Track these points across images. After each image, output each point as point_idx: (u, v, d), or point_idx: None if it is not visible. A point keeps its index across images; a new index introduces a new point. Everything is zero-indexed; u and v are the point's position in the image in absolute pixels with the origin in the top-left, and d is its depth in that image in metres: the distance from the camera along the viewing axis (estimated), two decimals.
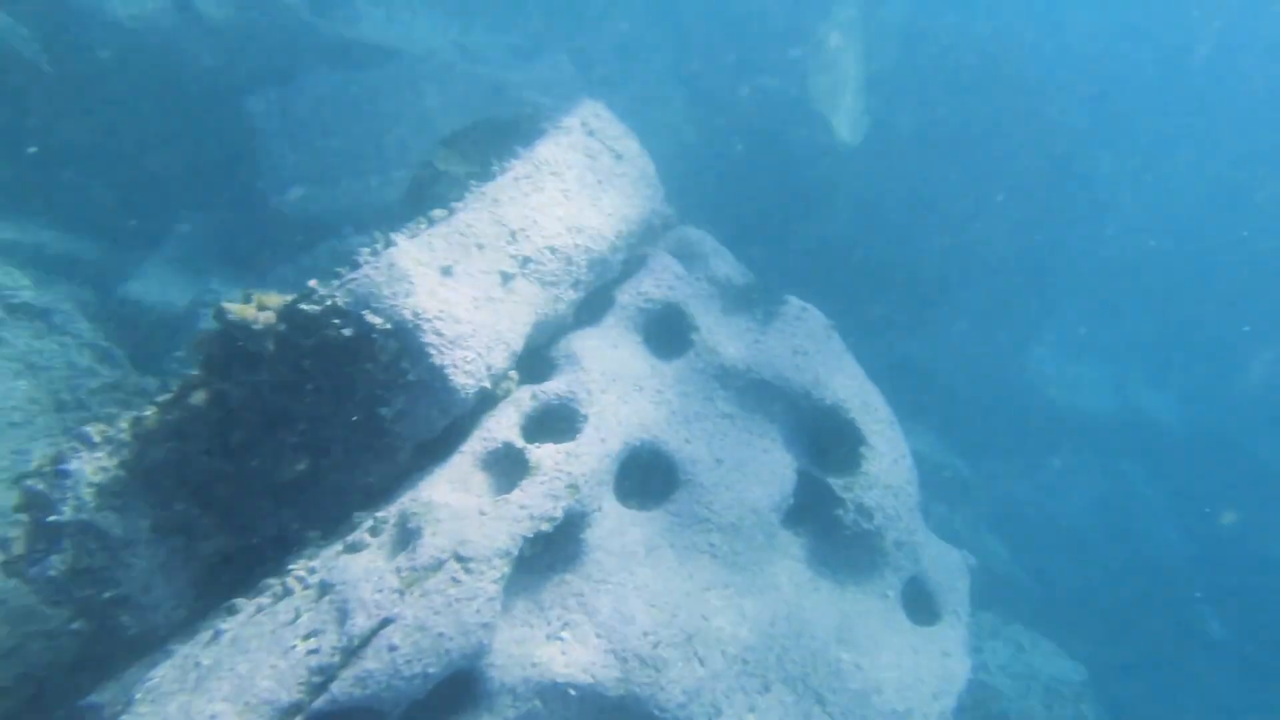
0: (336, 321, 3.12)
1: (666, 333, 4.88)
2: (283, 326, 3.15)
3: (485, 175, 4.68)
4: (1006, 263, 8.36)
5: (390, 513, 3.10)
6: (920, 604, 5.01)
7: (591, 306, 4.54)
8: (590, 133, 4.47)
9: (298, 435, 3.19)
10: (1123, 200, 10.12)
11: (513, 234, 3.74)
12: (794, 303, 5.53)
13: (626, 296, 4.65)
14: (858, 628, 4.56)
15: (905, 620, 4.81)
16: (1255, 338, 9.65)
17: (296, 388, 3.20)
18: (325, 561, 2.92)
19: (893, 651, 4.50)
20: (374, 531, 3.06)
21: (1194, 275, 10.03)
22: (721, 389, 4.81)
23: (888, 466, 5.07)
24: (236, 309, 3.16)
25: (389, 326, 3.08)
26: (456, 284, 3.39)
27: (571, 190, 4.15)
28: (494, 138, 5.06)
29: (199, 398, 2.99)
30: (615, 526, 3.74)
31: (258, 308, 3.26)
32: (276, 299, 3.29)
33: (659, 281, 4.82)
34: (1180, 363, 9.63)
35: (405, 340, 3.13)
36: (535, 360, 4.04)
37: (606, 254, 4.27)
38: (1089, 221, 10.03)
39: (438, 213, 3.76)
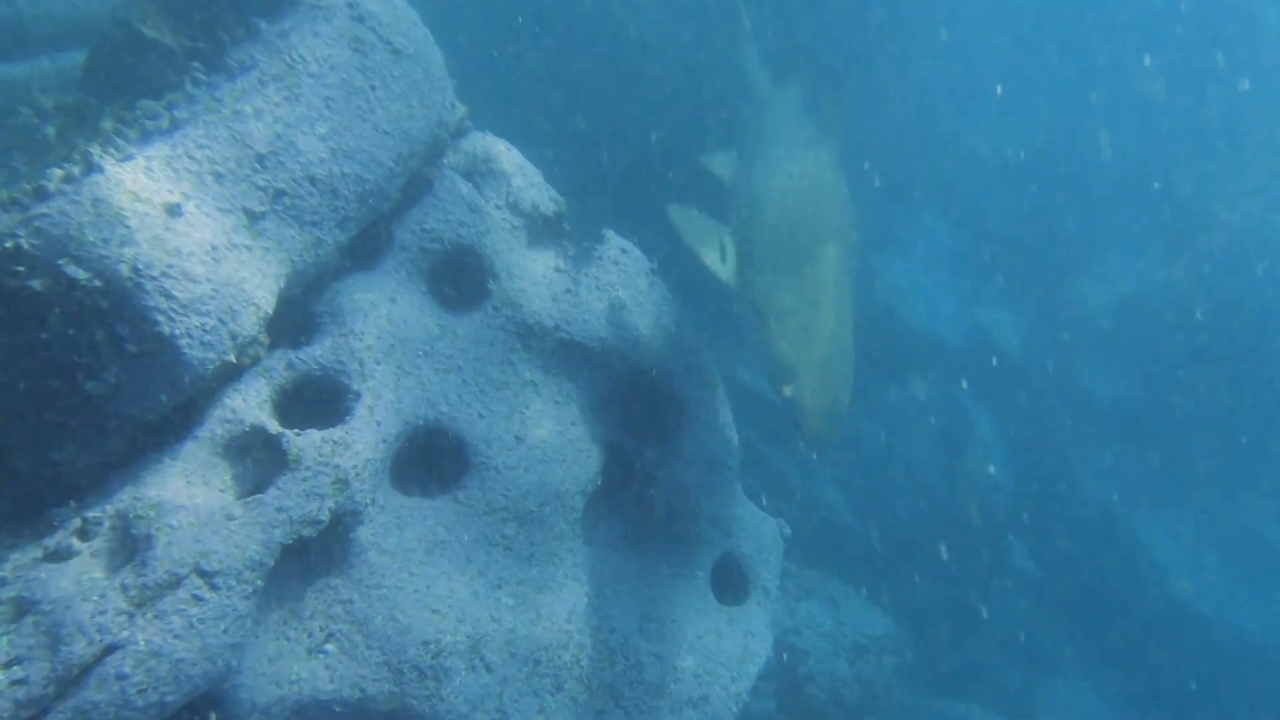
0: (20, 269, 3.17)
1: (458, 279, 5.24)
2: None
3: (213, 58, 4.68)
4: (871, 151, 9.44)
5: (106, 512, 3.27)
6: (730, 581, 5.99)
7: (363, 245, 4.78)
8: (359, 18, 4.60)
9: None
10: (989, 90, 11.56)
11: (260, 159, 3.88)
12: (613, 242, 6.09)
13: (407, 234, 4.93)
14: (662, 614, 5.42)
15: (712, 601, 5.75)
16: (1093, 259, 11.43)
17: None
18: (18, 571, 3.06)
19: (695, 636, 5.41)
20: (84, 535, 3.23)
21: (1054, 183, 11.71)
22: (524, 350, 5.30)
23: (707, 437, 5.90)
24: None
25: (98, 284, 3.19)
26: (188, 227, 3.52)
27: (336, 100, 4.31)
28: (223, 3, 4.99)
29: None
30: (392, 521, 4.16)
31: None
32: None
33: (448, 215, 5.13)
34: (1027, 281, 11.18)
35: (122, 303, 3.25)
36: (291, 312, 4.25)
37: (382, 183, 4.51)
38: (957, 111, 11.34)
39: (150, 119, 3.80)
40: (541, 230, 6.03)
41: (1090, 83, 11.96)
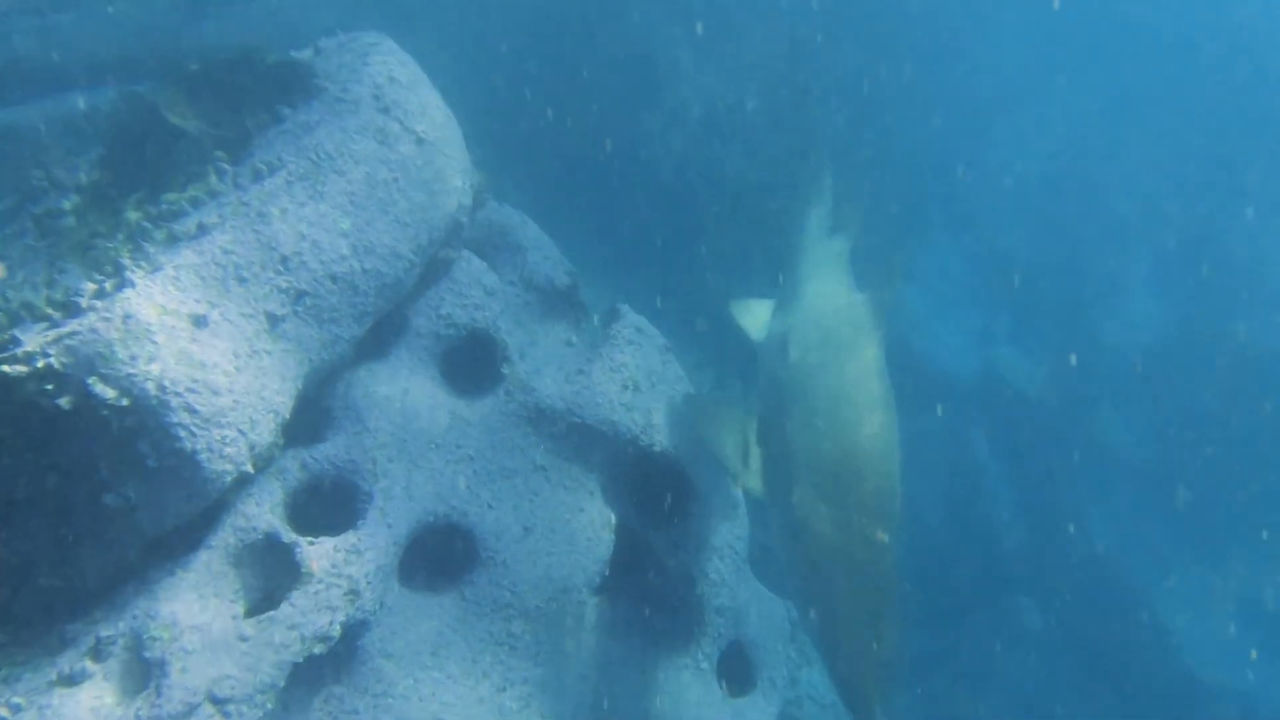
0: (50, 388, 3.38)
1: (471, 362, 5.44)
2: None
3: (237, 146, 4.91)
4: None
5: (119, 630, 3.47)
6: (738, 670, 6.14)
7: (378, 329, 4.99)
8: (384, 109, 4.83)
9: None
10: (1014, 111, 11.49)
11: (284, 260, 4.10)
12: (628, 319, 6.29)
13: (423, 320, 5.14)
14: (667, 708, 5.58)
15: (718, 693, 5.91)
16: (1113, 300, 11.35)
17: None
18: (33, 697, 3.25)
19: None
20: (97, 655, 3.42)
21: (1078, 218, 11.48)
22: (535, 435, 5.50)
23: (716, 523, 6.08)
24: None
25: (125, 403, 3.40)
26: (213, 337, 3.73)
27: (360, 195, 4.53)
28: (244, 83, 5.24)
29: None
30: (399, 622, 4.35)
31: None
32: None
33: (464, 299, 5.35)
34: (1044, 319, 11.08)
35: (147, 420, 3.45)
36: (305, 406, 4.46)
37: (401, 275, 4.72)
38: (979, 136, 11.39)
39: (176, 219, 4.02)
40: (555, 302, 6.24)
41: (1119, 113, 11.92)
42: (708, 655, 5.89)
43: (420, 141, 4.99)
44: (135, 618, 3.49)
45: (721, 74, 9.36)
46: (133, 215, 4.58)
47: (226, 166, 4.70)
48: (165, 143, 4.91)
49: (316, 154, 4.39)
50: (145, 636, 3.40)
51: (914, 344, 10.58)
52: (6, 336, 3.47)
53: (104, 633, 3.43)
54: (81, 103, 7.06)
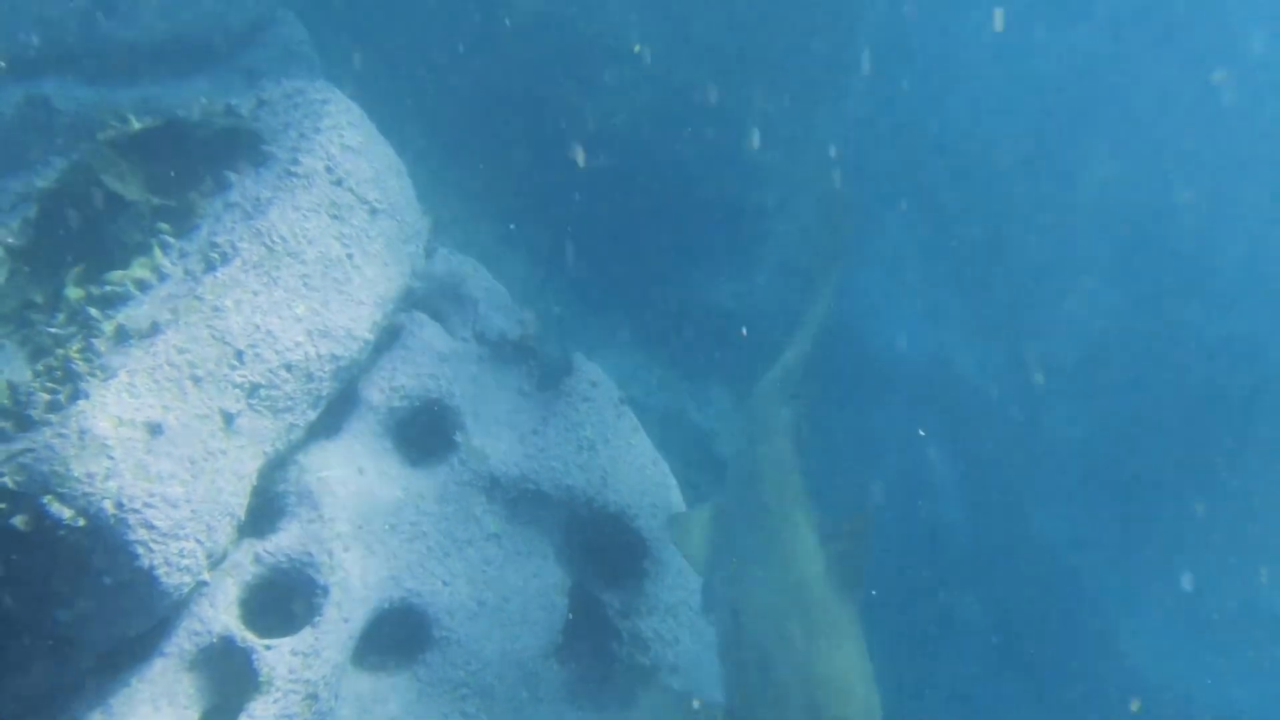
0: (3, 507, 3.54)
1: (424, 428, 5.66)
2: None
3: (183, 215, 5.03)
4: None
5: None
6: None
7: (330, 403, 5.17)
8: (338, 181, 4.99)
9: None
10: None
11: (238, 354, 4.27)
12: (583, 374, 6.55)
13: (375, 393, 5.34)
14: None
15: None
16: (1068, 287, 11.36)
17: None
18: None
19: None
20: None
21: (1035, 202, 11.45)
22: (489, 503, 5.75)
23: (671, 580, 6.40)
24: None
25: (81, 523, 3.57)
26: (169, 444, 3.91)
27: (314, 276, 4.71)
28: (188, 149, 5.35)
29: None
30: (356, 711, 4.60)
31: None
32: None
33: (416, 368, 5.55)
34: (997, 306, 11.20)
35: (104, 538, 3.63)
36: (256, 490, 4.65)
37: (356, 355, 4.92)
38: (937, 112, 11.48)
39: (129, 312, 4.16)
40: (508, 353, 6.47)
41: (1082, 96, 12.00)
42: (661, 712, 6.22)
43: (374, 211, 5.17)
44: None
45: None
46: (74, 293, 4.70)
47: (171, 240, 4.84)
48: (103, 210, 5.00)
49: (270, 238, 4.55)
50: None
51: (863, 329, 10.74)
52: None
53: None
54: None
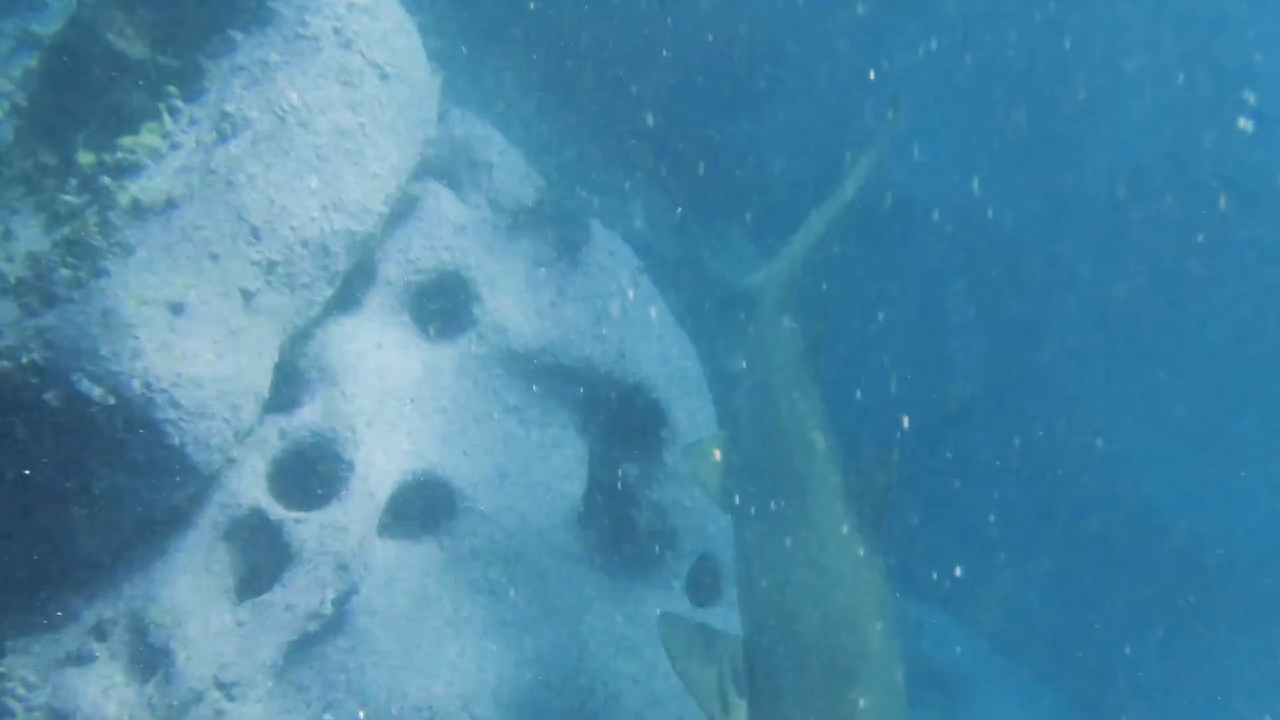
0: (35, 381, 3.65)
1: (441, 301, 5.72)
2: None
3: (189, 77, 4.96)
4: None
5: (119, 611, 3.89)
6: (707, 582, 6.81)
7: (347, 278, 5.21)
8: (346, 44, 4.87)
9: None
10: None
11: (255, 231, 4.29)
12: (600, 240, 6.56)
13: (392, 266, 5.37)
14: (639, 631, 6.24)
15: (687, 607, 6.58)
16: (1104, 122, 10.97)
17: None
18: (44, 674, 3.70)
19: None
20: (99, 634, 3.85)
21: (1075, 34, 10.86)
22: (508, 376, 5.86)
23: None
24: None
25: (112, 401, 3.69)
26: (191, 323, 3.98)
27: (326, 148, 4.66)
28: (188, 4, 5.20)
29: None
30: (381, 580, 4.83)
31: None
32: None
33: (432, 240, 5.56)
34: (1024, 141, 10.81)
35: (135, 417, 3.75)
36: (278, 367, 4.75)
37: (372, 229, 4.92)
38: None
39: (146, 195, 4.17)
40: (524, 221, 6.47)
41: None
42: (677, 573, 6.51)
43: (385, 77, 5.07)
44: (134, 599, 3.91)
45: None
46: (86, 159, 4.68)
47: (180, 105, 4.77)
48: (108, 68, 4.92)
49: (280, 107, 4.49)
50: (147, 622, 3.82)
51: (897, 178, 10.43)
52: None
53: (105, 613, 3.85)
54: None
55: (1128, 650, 10.38)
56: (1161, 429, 10.89)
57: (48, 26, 5.81)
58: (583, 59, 8.73)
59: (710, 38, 9.34)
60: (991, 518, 10.47)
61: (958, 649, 10.14)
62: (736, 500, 4.53)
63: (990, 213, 10.74)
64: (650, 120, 8.63)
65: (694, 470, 5.03)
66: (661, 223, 9.81)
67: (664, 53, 9.10)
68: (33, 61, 5.42)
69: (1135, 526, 10.74)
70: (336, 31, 4.83)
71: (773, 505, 4.17)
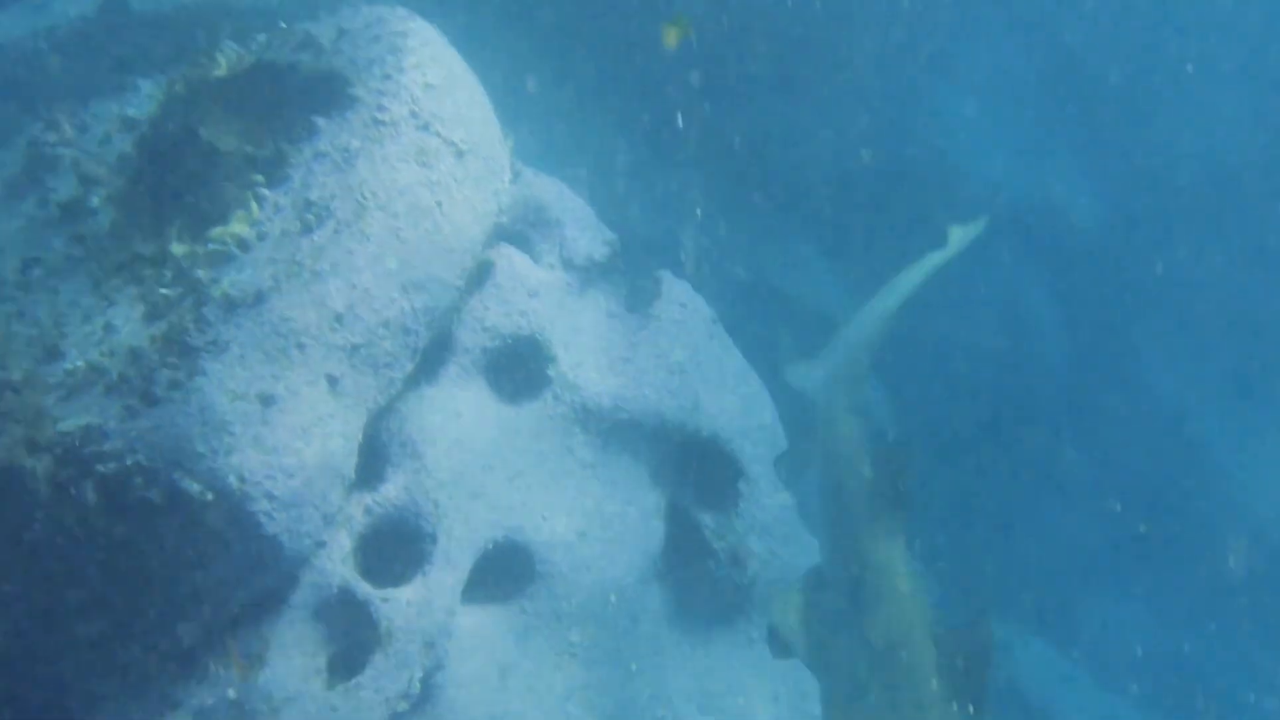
0: (139, 481, 3.97)
1: (517, 365, 5.95)
2: (64, 475, 3.97)
3: (274, 164, 5.27)
4: None
5: (220, 700, 4.20)
6: None
7: (425, 350, 5.47)
8: (424, 125, 5.13)
9: (85, 592, 4.13)
10: None
11: (338, 317, 4.57)
12: (672, 295, 6.73)
13: (468, 334, 5.62)
14: (720, 684, 6.40)
15: (768, 660, 6.71)
16: (1190, 110, 10.48)
17: (81, 538, 4.09)
18: None
19: (752, 705, 6.41)
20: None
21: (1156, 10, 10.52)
22: (584, 433, 6.07)
23: (766, 500, 6.72)
24: (5, 447, 3.91)
25: (210, 497, 3.99)
26: (281, 414, 4.26)
27: (404, 228, 4.92)
28: (275, 90, 5.53)
29: None
30: (467, 648, 5.08)
31: (25, 447, 4.01)
32: (47, 432, 4.04)
33: (507, 305, 5.79)
34: (1105, 130, 10.49)
35: (230, 511, 4.05)
36: (361, 446, 5.03)
37: (450, 302, 5.18)
38: None
39: (237, 289, 4.48)
40: (595, 276, 6.68)
41: None
42: (758, 625, 6.65)
43: (460, 153, 5.31)
44: (233, 685, 4.20)
45: None
46: (179, 249, 5.03)
47: (266, 193, 5.09)
48: (198, 157, 5.26)
49: (362, 194, 4.76)
50: (246, 709, 4.12)
51: (954, 157, 10.20)
52: (84, 426, 4.02)
53: (206, 701, 4.15)
54: (63, 10, 7.38)
55: (1236, 686, 10.06)
56: (1268, 439, 10.47)
57: (142, 110, 6.23)
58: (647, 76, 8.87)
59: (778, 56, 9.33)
60: (1086, 536, 10.30)
61: (1052, 678, 9.95)
62: (821, 654, 4.58)
63: (1073, 211, 10.52)
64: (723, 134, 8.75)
65: (776, 618, 5.00)
66: (731, 243, 9.94)
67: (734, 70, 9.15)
68: (127, 147, 5.82)
69: (1244, 546, 10.40)
70: (414, 115, 5.09)
71: (859, 671, 4.20)
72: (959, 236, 5.53)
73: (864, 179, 9.89)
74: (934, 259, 5.40)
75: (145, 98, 6.52)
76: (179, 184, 5.30)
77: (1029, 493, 10.02)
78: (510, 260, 5.87)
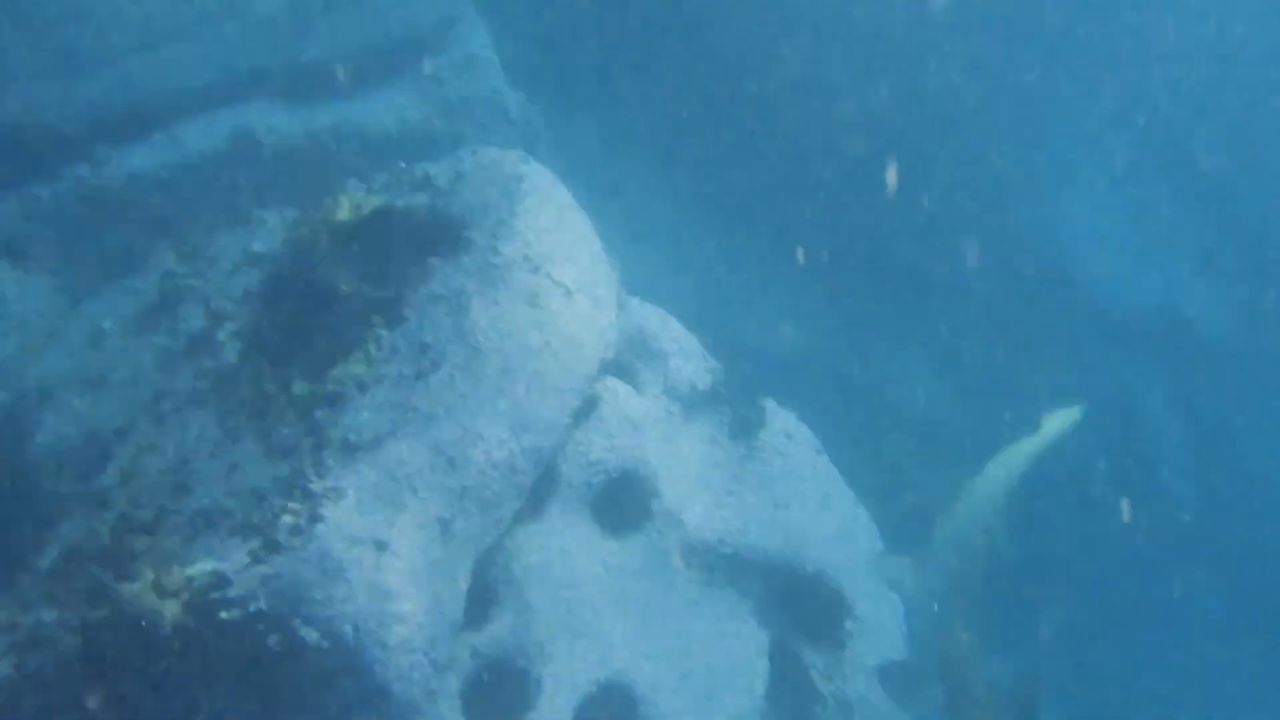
0: (261, 628, 4.15)
1: (621, 499, 6.05)
2: (192, 622, 4.17)
3: (391, 306, 5.55)
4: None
5: None
6: None
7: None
8: (535, 269, 5.37)
9: None
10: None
11: (451, 461, 4.75)
12: (777, 424, 6.78)
13: (574, 469, 5.75)
14: None
15: None
16: None
17: (203, 678, 4.27)
18: None
19: None
20: None
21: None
22: (687, 569, 6.10)
23: (875, 640, 6.61)
24: (136, 592, 4.14)
25: (326, 644, 4.14)
26: (394, 559, 4.43)
27: (515, 369, 5.11)
28: (394, 233, 5.85)
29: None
30: None
31: (155, 591, 4.24)
32: (175, 576, 4.27)
33: (612, 440, 5.92)
34: (1237, 243, 10.29)
35: (345, 658, 4.20)
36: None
37: (557, 441, 5.33)
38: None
39: (355, 434, 4.71)
40: (698, 403, 6.78)
41: None
42: None
43: (569, 293, 5.53)
44: None
45: None
46: (300, 389, 5.31)
47: (384, 333, 5.36)
48: (321, 298, 5.58)
49: (475, 337, 4.99)
50: None
51: (1076, 271, 10.11)
52: (210, 571, 4.24)
53: None
54: (195, 143, 7.93)
55: None
56: None
57: (267, 244, 6.66)
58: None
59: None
60: (1217, 666, 9.89)
61: None
62: None
63: (1194, 314, 10.33)
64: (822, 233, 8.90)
65: None
66: (836, 343, 9.98)
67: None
68: (253, 282, 6.21)
69: None
70: (526, 258, 5.33)
71: None
72: (1053, 425, 5.50)
73: (981, 284, 9.88)
74: (1027, 448, 5.37)
75: (270, 231, 7.00)
76: (301, 323, 5.61)
77: (1156, 620, 9.74)
78: (615, 394, 6.01)
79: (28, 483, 5.90)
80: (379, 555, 4.35)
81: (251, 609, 4.07)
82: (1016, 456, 5.36)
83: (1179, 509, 9.99)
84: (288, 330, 5.68)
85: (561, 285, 5.41)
